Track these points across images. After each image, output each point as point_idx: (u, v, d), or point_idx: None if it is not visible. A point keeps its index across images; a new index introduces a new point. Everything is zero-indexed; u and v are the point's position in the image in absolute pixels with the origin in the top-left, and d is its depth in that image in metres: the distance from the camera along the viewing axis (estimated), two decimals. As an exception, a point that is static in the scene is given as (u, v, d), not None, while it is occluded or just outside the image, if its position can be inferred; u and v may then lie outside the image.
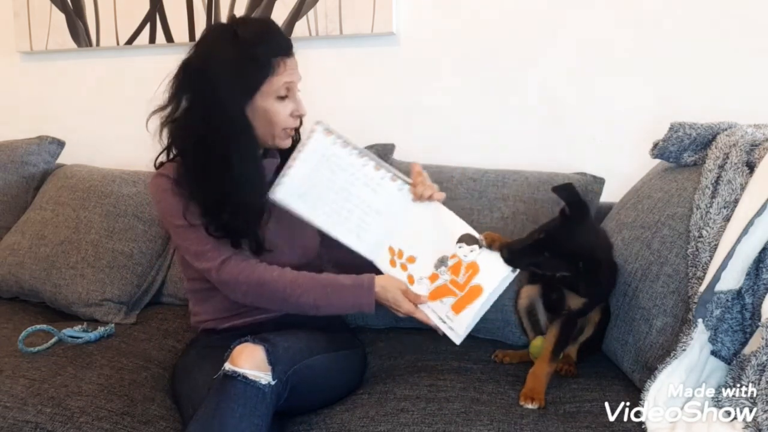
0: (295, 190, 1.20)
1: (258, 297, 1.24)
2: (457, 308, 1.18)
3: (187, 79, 1.22)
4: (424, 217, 1.22)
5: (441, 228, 1.22)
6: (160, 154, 1.31)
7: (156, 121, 1.26)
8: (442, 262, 1.20)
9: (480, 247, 1.19)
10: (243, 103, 1.20)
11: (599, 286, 1.26)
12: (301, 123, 1.34)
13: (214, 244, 1.23)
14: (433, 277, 1.20)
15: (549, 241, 1.18)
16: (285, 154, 1.31)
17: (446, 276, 1.19)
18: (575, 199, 1.20)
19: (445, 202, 1.52)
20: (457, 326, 1.18)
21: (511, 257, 1.18)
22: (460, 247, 1.19)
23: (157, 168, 1.31)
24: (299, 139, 1.34)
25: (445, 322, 1.19)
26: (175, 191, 1.24)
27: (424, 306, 1.21)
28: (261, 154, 1.31)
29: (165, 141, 1.28)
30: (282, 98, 1.23)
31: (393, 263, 1.23)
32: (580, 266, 1.16)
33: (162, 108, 1.24)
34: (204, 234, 1.23)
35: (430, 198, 1.23)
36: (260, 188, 1.24)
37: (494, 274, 1.17)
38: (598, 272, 1.19)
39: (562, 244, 1.17)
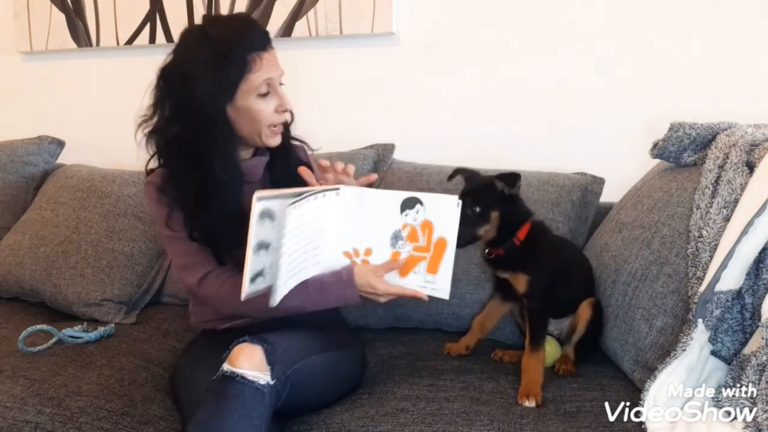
0: (284, 282, 1.09)
1: (239, 309, 1.22)
2: (432, 269, 1.18)
3: (165, 85, 1.21)
4: (358, 209, 1.20)
5: (379, 209, 1.20)
6: (149, 160, 1.30)
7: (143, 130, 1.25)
8: (396, 237, 1.20)
9: (422, 204, 1.18)
10: (223, 104, 1.19)
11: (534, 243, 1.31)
12: (292, 119, 1.32)
13: (196, 258, 1.23)
14: (395, 255, 1.20)
15: (469, 191, 1.29)
16: (274, 152, 1.30)
17: (407, 247, 1.19)
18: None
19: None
20: (439, 284, 1.18)
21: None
22: (406, 215, 1.19)
23: (147, 173, 1.30)
24: (289, 135, 1.33)
25: (425, 287, 1.19)
26: (160, 200, 1.25)
27: (400, 281, 1.20)
28: (251, 154, 1.31)
29: (151, 149, 1.27)
30: (264, 95, 1.21)
31: (354, 264, 1.22)
32: (497, 183, 1.26)
33: (148, 118, 1.24)
34: (187, 246, 1.23)
35: (344, 172, 1.22)
36: (239, 191, 1.22)
37: (447, 219, 1.16)
38: (516, 181, 1.27)
39: (476, 180, 1.33)
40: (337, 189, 1.18)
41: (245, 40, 1.18)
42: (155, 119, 1.23)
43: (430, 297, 1.19)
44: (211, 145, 1.19)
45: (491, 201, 1.28)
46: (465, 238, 1.24)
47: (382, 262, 1.20)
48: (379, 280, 1.18)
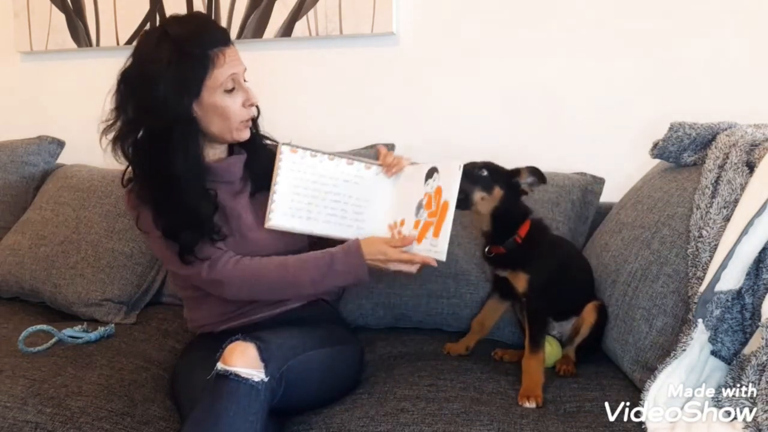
0: (286, 212, 1.26)
1: (253, 289, 1.25)
2: (436, 232, 1.21)
3: (126, 88, 1.21)
4: (400, 184, 1.30)
5: (411, 182, 1.29)
6: (125, 170, 1.30)
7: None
8: (419, 207, 1.25)
9: (438, 172, 1.24)
10: (188, 102, 1.20)
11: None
12: (258, 113, 1.34)
13: (199, 247, 1.24)
14: (416, 224, 1.24)
15: (486, 161, 1.31)
16: (250, 150, 1.33)
17: (424, 215, 1.24)
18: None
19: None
20: (440, 247, 1.20)
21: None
22: (427, 185, 1.25)
23: (124, 185, 1.31)
24: (257, 131, 1.35)
25: (430, 251, 1.21)
26: (143, 204, 1.25)
27: (416, 248, 1.23)
28: (226, 153, 1.33)
29: (118, 155, 1.27)
30: (230, 91, 1.22)
31: (393, 236, 1.28)
32: (523, 171, 1.29)
33: (111, 124, 1.24)
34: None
35: (399, 166, 1.30)
36: (203, 189, 1.24)
37: (451, 182, 1.20)
38: (543, 181, 1.30)
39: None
40: (372, 164, 1.30)
41: (206, 37, 1.20)
42: (118, 124, 1.23)
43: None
44: (174, 145, 1.19)
45: (502, 179, 1.28)
46: (459, 195, 1.23)
47: (408, 232, 1.25)
48: (391, 249, 1.22)
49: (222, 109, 1.22)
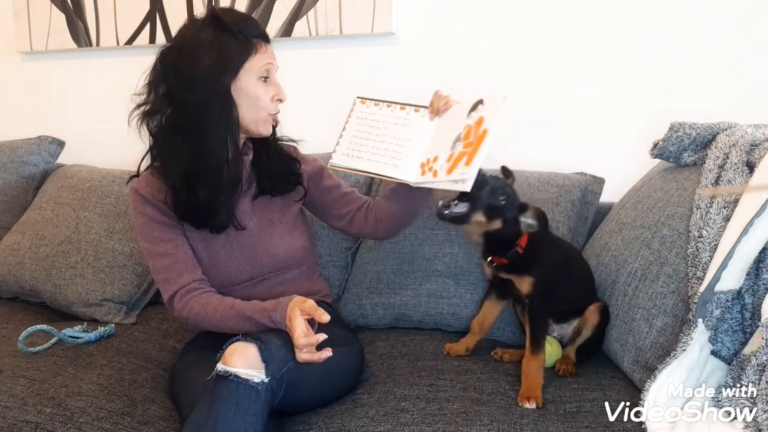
0: (344, 152, 1.38)
1: (199, 326, 1.29)
2: (469, 161, 1.21)
3: (165, 66, 1.22)
4: (442, 122, 1.34)
5: (452, 119, 1.31)
6: (144, 157, 1.31)
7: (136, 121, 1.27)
8: (457, 140, 1.27)
9: (483, 104, 1.26)
10: (227, 80, 1.21)
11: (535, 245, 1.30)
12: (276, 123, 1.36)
13: (169, 275, 1.27)
14: (449, 157, 1.26)
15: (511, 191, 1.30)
16: (260, 150, 1.34)
17: (460, 147, 1.25)
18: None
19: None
20: (467, 175, 1.20)
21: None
22: (469, 117, 1.27)
23: (138, 173, 1.32)
24: (275, 133, 1.37)
25: (457, 181, 1.21)
26: (142, 211, 1.27)
27: (445, 177, 1.23)
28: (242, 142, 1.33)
29: (146, 137, 1.27)
30: (264, 80, 1.25)
31: (423, 173, 1.30)
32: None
33: (142, 103, 1.25)
34: (162, 264, 1.27)
35: (446, 106, 1.33)
36: (237, 160, 1.27)
37: (494, 113, 1.23)
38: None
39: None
40: (422, 107, 1.37)
41: (251, 26, 1.25)
42: (149, 100, 1.24)
43: (456, 192, 1.23)
44: (212, 122, 1.21)
45: (510, 212, 1.26)
46: (462, 209, 1.23)
47: (440, 166, 1.26)
48: (300, 339, 1.11)
49: (255, 95, 1.24)
